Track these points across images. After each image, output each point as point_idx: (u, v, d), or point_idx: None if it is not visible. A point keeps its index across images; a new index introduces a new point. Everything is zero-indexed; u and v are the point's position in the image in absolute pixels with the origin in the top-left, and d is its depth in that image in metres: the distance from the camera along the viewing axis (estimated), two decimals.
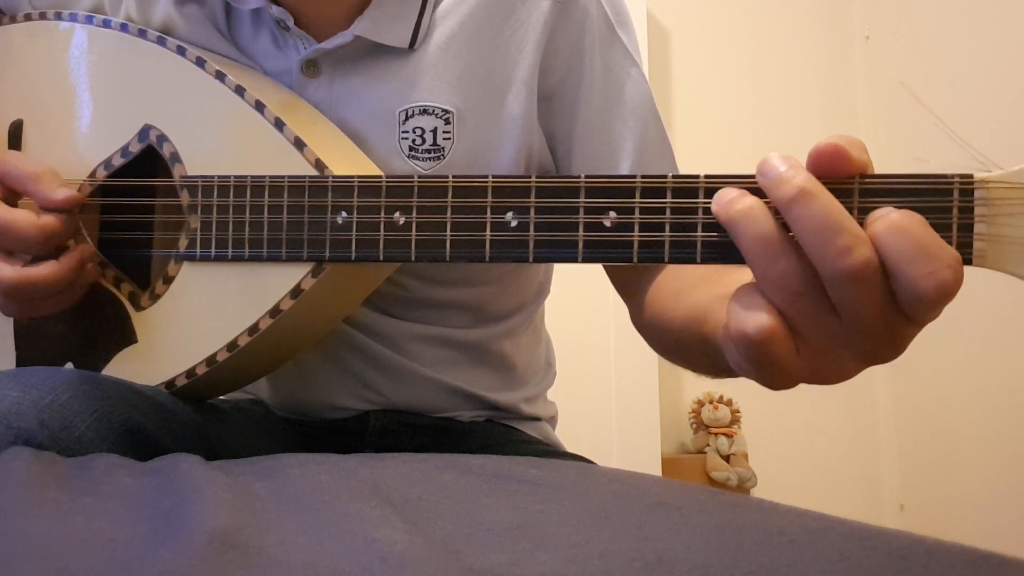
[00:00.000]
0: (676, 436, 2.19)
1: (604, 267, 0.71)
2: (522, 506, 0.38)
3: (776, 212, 0.39)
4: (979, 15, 2.00)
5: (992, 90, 1.92)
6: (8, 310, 0.60)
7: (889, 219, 0.38)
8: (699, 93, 2.32)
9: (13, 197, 0.59)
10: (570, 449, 0.81)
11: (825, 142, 0.41)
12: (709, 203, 0.44)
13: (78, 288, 0.60)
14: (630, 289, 0.71)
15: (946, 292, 0.37)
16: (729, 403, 2.12)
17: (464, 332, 0.74)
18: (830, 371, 0.41)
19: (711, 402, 2.12)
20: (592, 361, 1.91)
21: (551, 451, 0.79)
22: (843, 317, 0.39)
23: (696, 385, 2.18)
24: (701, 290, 0.54)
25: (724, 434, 2.09)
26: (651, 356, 1.92)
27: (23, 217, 0.56)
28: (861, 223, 0.39)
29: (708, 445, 2.10)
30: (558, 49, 0.68)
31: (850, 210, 0.40)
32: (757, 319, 0.39)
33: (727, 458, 2.08)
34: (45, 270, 0.57)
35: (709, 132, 2.24)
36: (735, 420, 2.13)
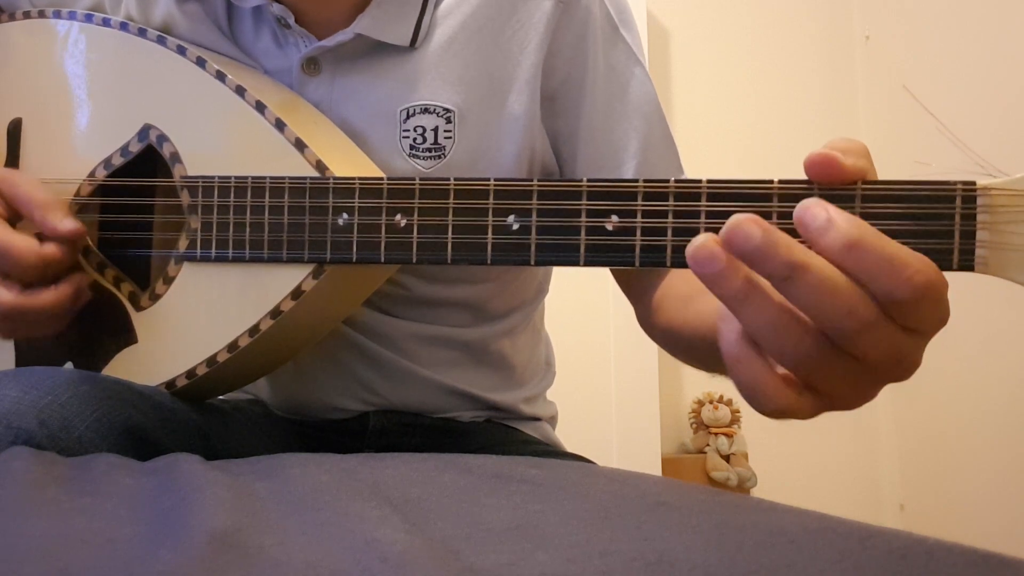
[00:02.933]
0: (676, 436, 2.19)
1: (610, 269, 0.71)
2: (522, 506, 0.38)
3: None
4: (979, 16, 2.00)
5: (993, 91, 1.92)
6: (1, 331, 0.60)
7: (841, 237, 0.35)
8: (699, 93, 2.32)
9: (15, 217, 0.59)
10: (570, 449, 0.81)
11: (818, 151, 0.40)
12: (712, 208, 0.44)
13: (72, 313, 0.60)
14: (636, 292, 0.71)
15: (926, 293, 0.35)
16: (729, 403, 2.12)
17: (463, 331, 0.74)
18: (850, 402, 0.39)
19: (711, 402, 2.13)
20: (592, 361, 1.91)
21: (551, 451, 0.79)
22: (861, 361, 0.37)
23: (696, 385, 2.19)
24: (711, 295, 0.54)
25: (724, 434, 2.09)
26: (651, 356, 1.94)
27: (25, 244, 0.56)
28: None
29: (708, 445, 2.10)
30: (561, 49, 0.68)
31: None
32: (774, 402, 0.37)
33: (727, 458, 2.08)
34: (42, 298, 0.57)
35: (709, 132, 2.25)
36: (735, 420, 2.13)
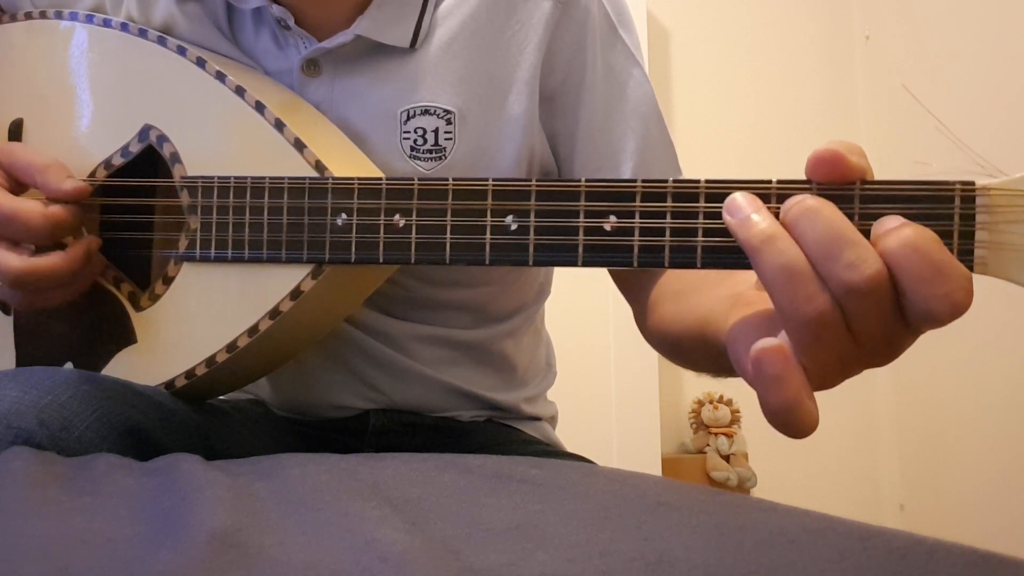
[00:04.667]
0: (676, 436, 2.19)
1: (607, 269, 0.71)
2: (522, 506, 0.38)
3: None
4: (979, 15, 2.00)
5: (993, 91, 1.92)
6: (13, 301, 0.60)
7: (902, 236, 0.37)
8: (699, 93, 2.32)
9: (19, 188, 0.59)
10: (570, 449, 0.81)
11: (823, 147, 0.41)
12: (710, 208, 0.44)
13: (83, 280, 0.60)
14: (633, 291, 0.71)
15: (959, 312, 0.37)
16: (729, 403, 2.12)
17: (465, 332, 0.74)
18: (825, 382, 0.41)
19: (711, 402, 2.13)
20: (592, 361, 1.91)
21: (551, 451, 0.79)
22: (856, 335, 0.38)
23: (696, 385, 2.19)
24: (703, 292, 0.54)
25: (724, 434, 2.09)
26: (651, 356, 1.94)
27: (31, 207, 0.56)
28: (863, 229, 0.38)
29: (708, 445, 2.10)
30: (560, 49, 0.68)
31: (851, 216, 0.40)
32: (786, 391, 0.38)
33: (727, 458, 2.08)
34: (51, 260, 0.57)
35: (709, 132, 2.25)
36: (735, 420, 2.13)
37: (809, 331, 0.38)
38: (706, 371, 0.55)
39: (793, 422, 0.38)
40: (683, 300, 0.58)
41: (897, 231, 0.37)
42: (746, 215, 0.40)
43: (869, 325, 0.38)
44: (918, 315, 0.37)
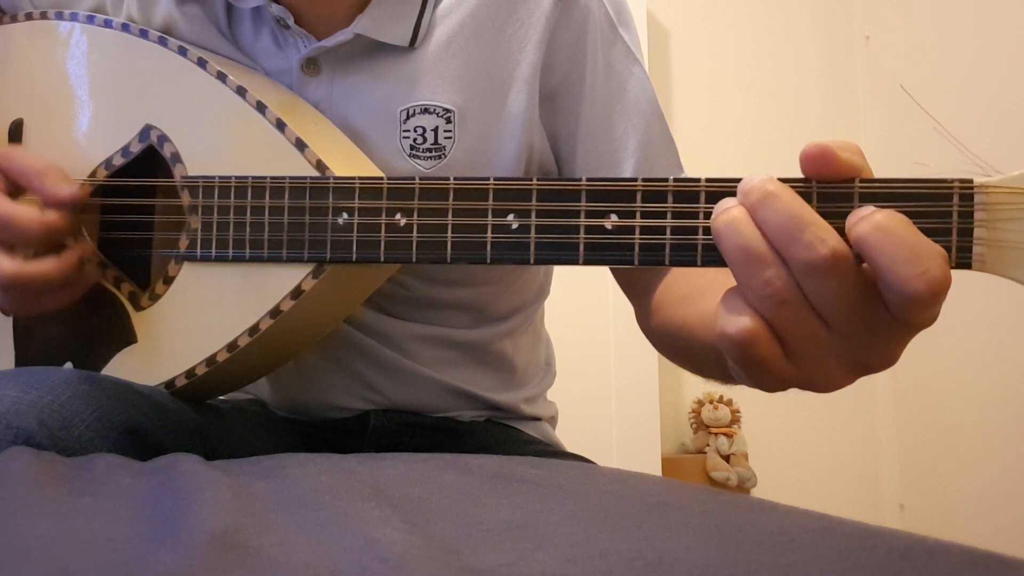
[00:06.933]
0: (676, 436, 2.19)
1: (610, 268, 0.71)
2: (522, 506, 0.38)
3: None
4: (979, 16, 2.00)
5: (992, 90, 1.93)
6: (6, 305, 0.60)
7: (873, 220, 0.38)
8: (699, 93, 2.32)
9: (15, 191, 0.59)
10: (570, 449, 0.81)
11: (813, 144, 0.41)
12: (710, 207, 0.44)
13: (77, 288, 0.60)
14: (637, 290, 0.71)
15: (938, 290, 0.37)
16: (729, 403, 2.12)
17: (464, 332, 0.74)
18: (820, 379, 0.41)
19: (711, 402, 2.13)
20: (592, 361, 1.91)
21: (551, 451, 0.79)
22: (825, 318, 0.39)
23: (696, 385, 2.19)
24: (712, 295, 0.54)
25: (724, 434, 2.09)
26: (651, 356, 1.94)
27: (26, 212, 0.57)
28: None
29: (708, 445, 2.11)
30: (560, 48, 0.68)
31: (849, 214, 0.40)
32: (739, 321, 0.39)
33: (727, 458, 2.08)
34: (44, 266, 0.57)
35: (709, 132, 2.25)
36: (735, 420, 2.13)
37: (772, 313, 0.39)
38: (714, 376, 0.55)
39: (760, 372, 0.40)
40: (692, 304, 0.58)
41: (867, 217, 0.38)
42: (720, 208, 0.40)
43: (837, 308, 0.38)
44: (899, 299, 0.37)
